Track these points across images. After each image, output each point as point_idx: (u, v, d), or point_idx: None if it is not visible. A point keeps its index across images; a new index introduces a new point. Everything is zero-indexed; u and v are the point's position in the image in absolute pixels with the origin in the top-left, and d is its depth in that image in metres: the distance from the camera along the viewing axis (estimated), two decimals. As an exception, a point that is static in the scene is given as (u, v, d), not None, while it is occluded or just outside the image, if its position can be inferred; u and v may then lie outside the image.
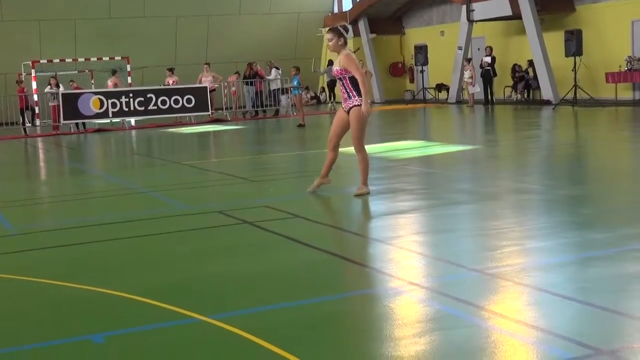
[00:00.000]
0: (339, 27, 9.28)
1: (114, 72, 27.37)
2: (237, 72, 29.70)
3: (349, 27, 9.48)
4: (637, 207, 8.09)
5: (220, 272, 6.20)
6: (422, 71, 30.58)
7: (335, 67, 9.37)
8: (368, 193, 9.26)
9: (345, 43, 9.35)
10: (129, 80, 28.40)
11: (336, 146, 9.60)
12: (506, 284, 5.39)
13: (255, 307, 5.17)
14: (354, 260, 6.43)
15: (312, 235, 7.35)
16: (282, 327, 4.77)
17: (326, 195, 9.64)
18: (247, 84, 28.62)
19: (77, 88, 26.20)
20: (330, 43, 9.33)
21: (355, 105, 9.18)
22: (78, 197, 11.03)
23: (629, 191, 9.30)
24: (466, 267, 5.87)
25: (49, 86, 25.54)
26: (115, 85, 26.64)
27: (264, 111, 28.79)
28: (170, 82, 27.59)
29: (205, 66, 28.18)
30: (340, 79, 9.32)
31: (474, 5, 28.49)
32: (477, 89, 27.29)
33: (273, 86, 28.71)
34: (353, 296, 5.45)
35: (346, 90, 9.26)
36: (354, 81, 9.16)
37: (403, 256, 6.46)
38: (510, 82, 28.71)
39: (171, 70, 28.29)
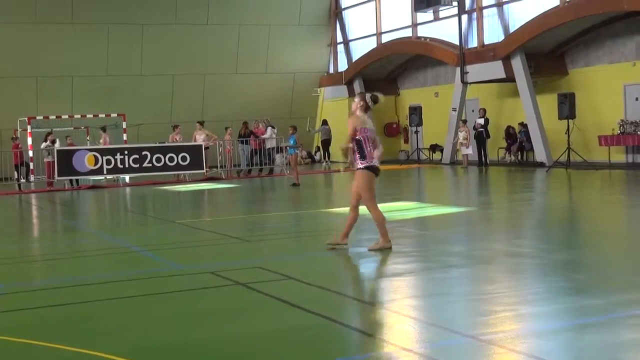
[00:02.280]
0: (366, 95, 9.80)
1: (104, 129, 27.56)
2: (227, 128, 29.82)
3: (380, 98, 9.83)
4: (631, 272, 8.06)
5: (211, 336, 6.12)
6: (416, 132, 30.76)
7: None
8: (389, 248, 9.67)
9: (365, 109, 9.77)
10: (125, 137, 28.50)
11: (356, 205, 9.85)
12: (500, 351, 5.33)
13: (247, 372, 5.10)
14: (347, 324, 6.37)
15: (304, 297, 7.29)
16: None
17: (320, 256, 9.61)
18: (242, 142, 28.73)
19: (70, 144, 26.26)
20: (353, 104, 9.87)
21: (358, 169, 9.66)
22: (70, 256, 10.97)
23: (623, 256, 9.28)
24: (460, 333, 5.82)
25: (44, 142, 25.62)
26: (106, 141, 26.81)
27: (260, 170, 28.85)
28: (177, 138, 27.71)
29: (197, 124, 28.21)
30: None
31: (468, 68, 28.82)
32: (470, 151, 27.43)
33: (268, 145, 28.85)
34: (346, 362, 5.39)
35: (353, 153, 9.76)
36: (359, 144, 9.60)
37: (396, 321, 6.41)
38: (504, 144, 28.89)
39: (175, 127, 28.40)
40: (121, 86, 33.38)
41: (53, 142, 25.44)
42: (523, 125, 27.59)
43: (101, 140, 27.05)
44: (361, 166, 9.61)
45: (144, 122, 32.42)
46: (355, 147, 9.60)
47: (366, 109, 9.74)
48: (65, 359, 5.64)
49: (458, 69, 29.28)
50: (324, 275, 8.50)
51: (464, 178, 23.53)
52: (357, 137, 9.56)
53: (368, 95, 9.75)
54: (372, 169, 9.66)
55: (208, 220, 15.03)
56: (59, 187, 25.02)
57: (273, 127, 29.23)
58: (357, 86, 34.79)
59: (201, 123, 28.37)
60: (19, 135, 27.27)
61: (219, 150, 28.62)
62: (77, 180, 25.42)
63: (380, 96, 9.86)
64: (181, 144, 27.18)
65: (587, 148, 25.45)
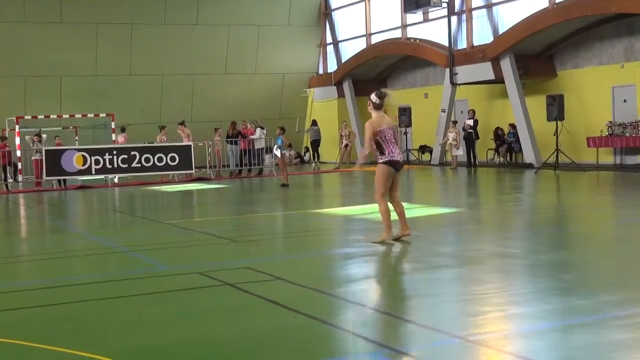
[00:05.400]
0: (372, 94, 10.12)
1: (123, 129, 27.71)
2: (216, 128, 29.83)
3: (386, 92, 9.97)
4: (618, 273, 8.08)
5: (198, 337, 6.09)
6: (405, 133, 30.77)
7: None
8: (383, 240, 10.04)
9: (376, 107, 10.12)
10: (113, 137, 28.45)
11: (392, 198, 10.19)
12: (488, 352, 5.33)
13: (234, 372, 5.07)
14: (335, 324, 6.35)
15: (293, 298, 7.27)
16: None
17: (309, 256, 9.58)
18: (230, 143, 28.70)
19: (59, 144, 26.17)
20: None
21: (378, 163, 10.05)
22: (58, 256, 10.90)
23: (610, 257, 9.30)
24: (448, 334, 5.81)
25: (32, 142, 25.50)
26: (126, 140, 27.08)
27: (249, 170, 28.81)
28: (164, 139, 27.70)
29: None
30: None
31: (458, 69, 28.87)
32: (460, 152, 27.48)
33: (257, 145, 28.81)
34: (333, 362, 5.37)
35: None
36: (378, 144, 9.99)
37: (384, 321, 6.39)
38: (493, 145, 28.94)
39: (162, 127, 28.37)
40: (110, 86, 33.31)
41: (39, 138, 25.30)
42: (513, 126, 27.66)
43: (120, 139, 27.25)
44: (381, 160, 9.92)
45: (132, 122, 32.37)
46: (375, 147, 9.96)
47: (377, 107, 9.90)
48: (51, 359, 5.59)
49: (447, 70, 29.32)
50: (313, 276, 8.48)
51: (453, 179, 23.55)
52: (376, 139, 9.89)
53: (373, 94, 9.90)
54: (392, 164, 9.95)
55: (197, 221, 14.99)
56: (47, 187, 24.92)
57: (262, 128, 29.22)
58: (347, 87, 34.82)
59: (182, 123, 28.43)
60: (7, 135, 27.15)
61: (208, 150, 28.57)
62: (64, 181, 25.31)
63: (386, 90, 10.05)
64: (170, 144, 27.13)
65: (575, 149, 25.52)
